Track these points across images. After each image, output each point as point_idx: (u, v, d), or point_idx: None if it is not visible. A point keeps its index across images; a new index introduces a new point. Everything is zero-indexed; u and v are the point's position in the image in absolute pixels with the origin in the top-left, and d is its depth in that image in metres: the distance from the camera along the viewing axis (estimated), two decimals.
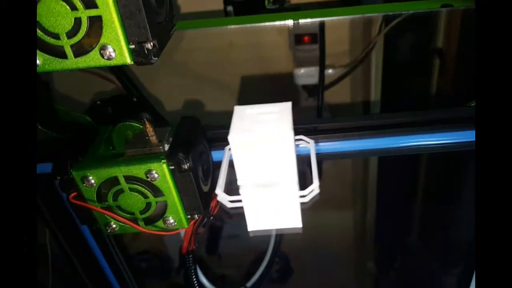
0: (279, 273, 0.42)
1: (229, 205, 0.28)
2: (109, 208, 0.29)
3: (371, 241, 0.47)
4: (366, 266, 0.47)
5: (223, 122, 0.28)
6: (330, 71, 0.50)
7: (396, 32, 0.51)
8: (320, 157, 0.33)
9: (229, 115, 0.28)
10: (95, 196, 0.28)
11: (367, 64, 0.51)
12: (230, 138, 0.26)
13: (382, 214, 0.45)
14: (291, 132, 0.26)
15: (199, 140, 0.30)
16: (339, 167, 0.47)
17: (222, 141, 0.30)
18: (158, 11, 0.25)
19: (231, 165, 0.29)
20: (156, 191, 0.28)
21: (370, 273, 0.47)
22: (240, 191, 0.28)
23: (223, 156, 0.31)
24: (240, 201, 0.28)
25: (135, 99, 0.42)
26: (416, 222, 0.45)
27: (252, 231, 0.29)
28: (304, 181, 0.28)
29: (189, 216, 0.30)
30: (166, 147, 0.29)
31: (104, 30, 0.23)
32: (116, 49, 0.23)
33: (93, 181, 0.28)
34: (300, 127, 0.32)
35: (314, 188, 0.27)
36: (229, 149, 0.29)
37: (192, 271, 0.34)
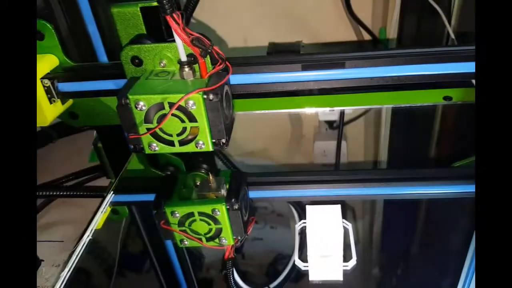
0: (299, 277, 0.50)
1: (303, 269, 0.45)
2: (184, 230, 0.45)
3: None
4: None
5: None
6: None
7: None
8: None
9: None
10: (177, 223, 0.44)
11: None
12: (308, 229, 0.43)
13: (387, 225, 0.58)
14: (341, 230, 0.43)
15: (243, 186, 0.46)
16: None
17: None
18: (227, 114, 0.41)
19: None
20: (216, 222, 0.44)
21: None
22: (308, 259, 0.45)
23: (296, 235, 0.47)
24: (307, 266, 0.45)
25: None
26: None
27: (312, 280, 0.45)
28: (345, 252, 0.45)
29: (235, 238, 0.46)
30: (224, 192, 0.45)
31: (199, 133, 0.39)
32: (205, 143, 0.39)
33: (178, 214, 0.44)
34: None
35: (353, 262, 0.45)
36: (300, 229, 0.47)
37: (230, 272, 0.50)
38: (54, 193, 0.69)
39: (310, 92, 0.76)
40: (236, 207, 0.44)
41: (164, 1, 0.36)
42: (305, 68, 0.49)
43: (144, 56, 0.41)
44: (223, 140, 0.40)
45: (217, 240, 0.46)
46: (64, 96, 0.49)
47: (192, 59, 0.39)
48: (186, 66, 0.39)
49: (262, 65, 0.48)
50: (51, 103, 0.48)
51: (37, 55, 0.48)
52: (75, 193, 0.69)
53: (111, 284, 0.49)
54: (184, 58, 0.39)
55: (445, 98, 0.67)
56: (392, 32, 0.80)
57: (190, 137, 0.40)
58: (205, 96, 0.37)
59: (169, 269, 0.49)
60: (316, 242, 0.45)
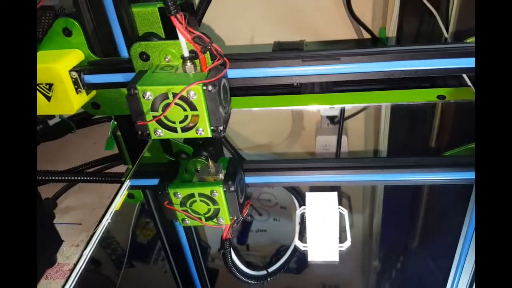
0: (297, 264, 0.53)
1: (303, 249, 0.49)
2: (186, 210, 0.50)
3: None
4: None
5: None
6: None
7: None
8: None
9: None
10: (179, 203, 0.49)
11: None
12: (307, 214, 0.48)
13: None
14: (337, 215, 0.48)
15: (239, 171, 0.51)
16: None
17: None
18: (225, 105, 0.46)
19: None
20: (214, 202, 0.49)
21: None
22: (307, 239, 0.49)
23: (296, 219, 0.52)
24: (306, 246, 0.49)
25: None
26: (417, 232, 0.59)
27: (310, 260, 0.49)
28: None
29: (231, 218, 0.51)
30: (221, 176, 0.50)
31: (199, 121, 0.43)
32: (204, 130, 0.44)
33: (180, 195, 0.49)
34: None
35: (348, 243, 0.49)
36: (300, 215, 0.51)
37: (228, 252, 0.55)
38: (76, 178, 0.75)
39: (311, 90, 0.80)
40: (232, 189, 0.49)
41: (169, 3, 0.41)
42: (305, 62, 0.52)
43: (151, 51, 0.46)
44: (221, 128, 0.44)
45: (215, 219, 0.51)
46: (88, 87, 0.54)
47: (194, 54, 0.44)
48: (188, 61, 0.44)
49: (266, 60, 0.51)
50: (77, 93, 0.53)
51: (66, 50, 0.53)
52: (95, 178, 0.75)
53: (125, 261, 0.54)
54: (186, 53, 0.44)
55: (439, 97, 0.70)
56: (391, 31, 0.83)
57: (191, 124, 0.44)
58: (204, 87, 0.42)
59: (178, 249, 0.54)
60: (314, 226, 0.50)
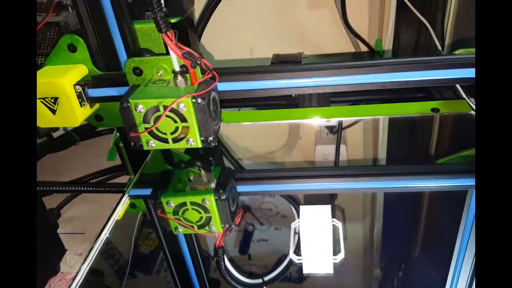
0: (295, 274, 0.54)
1: (297, 262, 0.50)
2: (178, 219, 0.51)
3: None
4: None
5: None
6: None
7: None
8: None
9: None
10: (172, 212, 0.51)
11: None
12: (301, 228, 0.49)
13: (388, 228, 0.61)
14: (331, 228, 0.49)
15: (230, 181, 0.52)
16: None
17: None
18: (215, 118, 0.48)
19: None
20: (206, 211, 0.51)
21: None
22: (302, 252, 0.50)
23: (291, 234, 0.53)
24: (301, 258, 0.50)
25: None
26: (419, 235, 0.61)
27: (305, 273, 0.50)
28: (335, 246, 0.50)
29: (223, 226, 0.52)
30: (213, 185, 0.51)
31: (189, 132, 0.45)
32: (195, 140, 0.46)
33: (172, 204, 0.50)
34: None
35: (341, 255, 0.50)
36: (294, 231, 0.52)
37: (221, 259, 0.56)
38: (79, 189, 0.77)
39: (309, 104, 0.82)
40: (223, 198, 0.50)
41: (160, 22, 0.43)
42: (303, 75, 0.54)
43: (144, 67, 0.48)
44: (211, 138, 0.46)
45: (207, 227, 0.52)
46: (92, 101, 0.56)
47: (184, 69, 0.46)
48: (179, 75, 0.46)
49: (265, 73, 0.53)
50: (81, 106, 0.55)
51: (70, 65, 0.56)
52: (97, 188, 0.77)
53: (127, 272, 0.55)
54: (177, 68, 0.46)
55: (433, 110, 0.72)
56: (387, 44, 0.85)
57: (182, 135, 0.46)
58: (194, 100, 0.44)
59: (180, 258, 0.55)
60: (309, 239, 0.51)
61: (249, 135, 0.81)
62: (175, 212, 0.51)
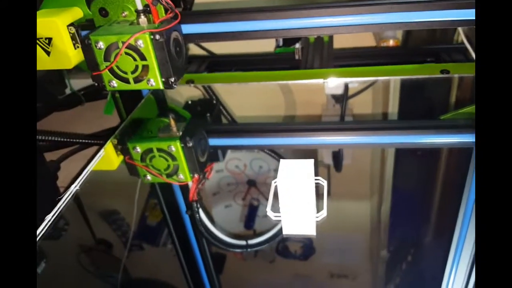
0: (303, 250, 0.53)
1: (274, 219, 0.47)
2: (146, 166, 0.51)
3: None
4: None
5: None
6: None
7: None
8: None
9: None
10: (139, 158, 0.50)
11: None
12: (278, 182, 0.44)
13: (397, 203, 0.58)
14: (313, 184, 0.45)
15: (200, 131, 0.51)
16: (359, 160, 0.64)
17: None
18: (178, 59, 0.46)
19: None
20: (173, 158, 0.50)
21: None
22: (281, 210, 0.46)
23: (271, 189, 0.49)
24: (279, 216, 0.47)
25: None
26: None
27: (285, 234, 0.47)
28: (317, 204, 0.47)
29: (191, 175, 0.51)
30: (180, 133, 0.50)
31: (149, 71, 0.44)
32: (155, 81, 0.44)
33: (139, 150, 0.50)
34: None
35: (323, 213, 0.46)
36: (275, 185, 0.47)
37: (195, 213, 0.55)
38: (64, 140, 0.73)
39: (311, 65, 0.78)
40: (190, 145, 0.49)
41: None
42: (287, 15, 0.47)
43: (110, 7, 0.47)
44: (172, 79, 0.45)
45: (175, 176, 0.51)
46: None
47: (148, 8, 0.45)
48: (142, 14, 0.45)
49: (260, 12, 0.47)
50: (75, 48, 0.55)
51: (65, 8, 0.55)
52: (83, 140, 0.73)
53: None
54: (140, 7, 0.45)
55: (442, 71, 0.67)
56: None
57: (143, 76, 0.45)
58: (152, 36, 0.42)
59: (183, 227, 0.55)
60: (288, 196, 0.47)
61: (253, 97, 0.78)
62: (142, 159, 0.51)
